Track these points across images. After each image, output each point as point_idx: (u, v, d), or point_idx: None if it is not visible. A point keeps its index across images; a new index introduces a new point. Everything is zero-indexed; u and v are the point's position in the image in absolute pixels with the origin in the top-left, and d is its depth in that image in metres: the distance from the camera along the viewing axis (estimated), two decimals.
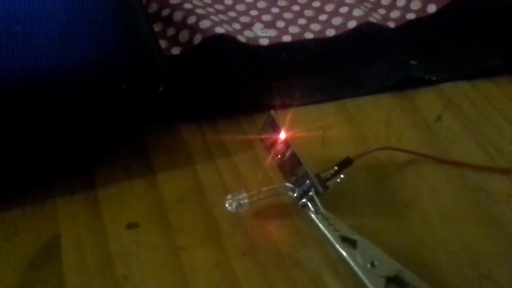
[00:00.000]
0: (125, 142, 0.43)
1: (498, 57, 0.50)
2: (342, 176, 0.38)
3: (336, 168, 0.38)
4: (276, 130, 0.39)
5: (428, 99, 0.48)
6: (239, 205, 0.37)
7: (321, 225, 0.36)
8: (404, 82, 0.47)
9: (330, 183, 0.37)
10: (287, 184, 0.39)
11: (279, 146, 0.39)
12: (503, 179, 0.42)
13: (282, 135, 0.39)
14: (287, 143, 0.38)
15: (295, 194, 0.38)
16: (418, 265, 0.35)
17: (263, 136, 0.41)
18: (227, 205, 0.37)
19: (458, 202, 0.40)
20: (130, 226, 0.38)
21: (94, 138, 0.40)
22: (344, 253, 0.34)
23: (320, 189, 0.36)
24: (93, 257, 0.36)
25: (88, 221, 0.38)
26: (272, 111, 0.40)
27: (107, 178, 0.41)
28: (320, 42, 0.52)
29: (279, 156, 0.40)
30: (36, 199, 0.39)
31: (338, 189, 0.39)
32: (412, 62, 0.49)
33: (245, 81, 0.47)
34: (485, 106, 0.48)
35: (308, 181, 0.36)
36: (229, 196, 0.38)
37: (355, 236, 0.35)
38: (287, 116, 0.44)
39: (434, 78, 0.48)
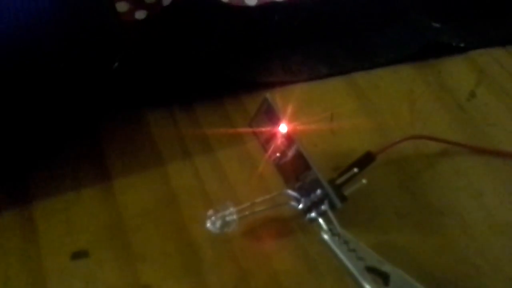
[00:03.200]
0: (73, 137, 0.33)
1: None
2: (364, 181, 0.28)
3: (355, 169, 0.28)
4: (274, 120, 0.29)
5: (457, 71, 0.41)
6: (225, 224, 0.28)
7: (338, 252, 0.26)
8: (426, 50, 0.41)
9: (348, 191, 0.28)
10: (290, 191, 0.29)
11: (279, 142, 0.29)
12: None
13: (283, 128, 0.29)
14: (289, 138, 0.29)
15: (301, 206, 0.29)
16: None
17: (255, 129, 0.31)
18: (208, 225, 0.28)
19: (509, 205, 0.32)
20: (77, 255, 0.29)
21: (30, 133, 0.31)
22: None
23: (338, 203, 0.26)
24: None
25: (20, 250, 0.29)
26: (267, 94, 0.30)
27: (47, 187, 0.31)
28: (320, 2, 0.44)
29: (278, 154, 0.30)
30: None
31: (355, 194, 0.30)
32: (434, 24, 0.43)
33: (228, 52, 0.40)
34: None
35: (319, 190, 0.27)
36: (210, 212, 0.28)
37: (387, 268, 0.26)
38: (286, 98, 0.35)
39: (462, 45, 0.42)
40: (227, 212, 0.28)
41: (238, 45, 0.40)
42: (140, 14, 0.42)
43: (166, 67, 0.37)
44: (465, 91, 0.39)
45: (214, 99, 0.37)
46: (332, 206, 0.27)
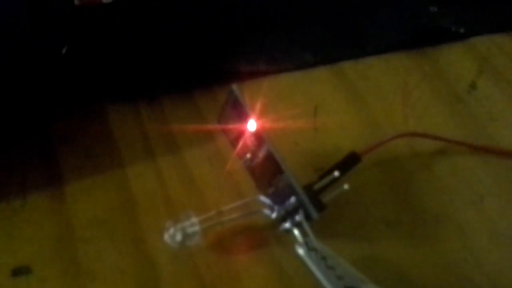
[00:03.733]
0: (20, 135, 0.30)
1: None
2: (345, 187, 0.25)
3: (336, 173, 0.25)
4: (242, 116, 0.25)
5: (456, 60, 0.38)
6: (187, 236, 0.25)
7: (314, 268, 0.23)
8: (422, 37, 0.38)
9: (327, 198, 0.24)
10: (262, 198, 0.26)
11: (248, 141, 0.25)
12: None
13: (252, 125, 0.25)
14: (259, 137, 0.25)
15: (274, 215, 0.25)
16: None
17: (222, 125, 0.27)
18: (166, 238, 0.25)
19: None
20: (18, 272, 0.25)
21: None
22: None
23: (315, 214, 0.23)
24: None
25: None
26: (234, 86, 0.26)
27: None
28: None
29: (248, 155, 0.26)
30: None
31: (338, 200, 0.27)
32: (431, 8, 0.41)
33: (201, 37, 0.36)
34: None
35: (293, 198, 0.23)
36: (168, 223, 0.25)
37: (370, 287, 0.22)
38: (260, 88, 0.32)
39: (462, 30, 0.40)
40: (188, 223, 0.25)
41: (214, 31, 0.37)
42: None
43: (131, 56, 0.34)
44: (465, 82, 0.36)
45: (183, 92, 0.33)
46: (308, 217, 0.24)
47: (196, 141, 0.31)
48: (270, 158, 0.25)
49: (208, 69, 0.34)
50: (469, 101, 0.35)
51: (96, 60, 0.32)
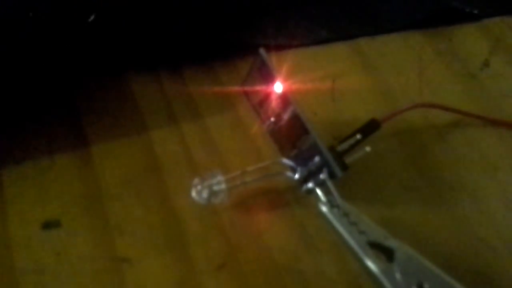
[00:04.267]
0: (48, 100, 0.30)
1: None
2: (367, 149, 0.25)
3: (358, 136, 0.26)
4: (269, 79, 0.26)
5: (470, 39, 0.38)
6: (213, 194, 0.26)
7: (338, 225, 0.24)
8: (437, 17, 0.39)
9: (349, 159, 0.25)
10: (285, 160, 0.27)
11: (273, 104, 0.26)
12: None
13: (278, 87, 0.26)
14: (285, 99, 0.26)
15: (297, 176, 0.26)
16: (476, 275, 0.26)
17: (247, 89, 0.28)
18: (193, 194, 0.25)
19: None
20: (48, 225, 0.26)
21: (2, 95, 0.28)
22: (375, 268, 0.23)
23: (338, 171, 0.24)
24: None
25: None
26: (261, 50, 0.27)
27: (18, 153, 0.28)
28: None
29: (272, 119, 0.27)
30: None
31: (358, 166, 0.27)
32: None
33: (221, 12, 0.36)
34: None
35: (317, 158, 0.24)
36: (196, 181, 0.25)
37: (392, 243, 0.23)
38: (282, 60, 0.32)
39: (476, 11, 0.40)
40: (214, 181, 0.25)
41: (237, 7, 0.37)
42: None
43: (153, 26, 0.33)
44: (478, 60, 0.36)
45: (204, 62, 0.34)
46: (331, 175, 0.24)
47: (217, 108, 0.31)
48: (295, 119, 0.25)
49: (230, 42, 0.34)
50: (481, 77, 0.35)
51: (121, 30, 0.32)
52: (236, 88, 0.31)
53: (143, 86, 0.32)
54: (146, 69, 0.33)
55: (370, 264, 0.23)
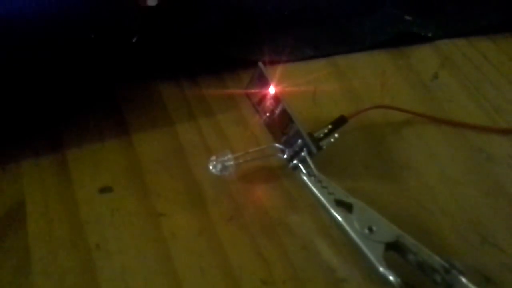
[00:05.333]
0: (97, 98, 0.39)
1: (497, 14, 0.48)
2: (336, 135, 0.34)
3: (330, 126, 0.35)
4: (265, 84, 0.36)
5: (424, 57, 0.45)
6: (224, 168, 0.34)
7: (314, 188, 0.33)
8: (398, 39, 0.46)
9: (323, 143, 0.34)
10: (276, 144, 0.35)
11: (268, 102, 0.35)
12: (504, 140, 0.39)
13: (272, 90, 0.35)
14: (277, 98, 0.35)
15: (285, 156, 0.35)
16: (417, 230, 0.32)
17: (249, 91, 0.37)
18: (210, 167, 0.34)
19: (457, 164, 0.38)
20: (103, 190, 0.34)
21: (62, 92, 0.36)
22: (340, 218, 0.31)
23: (314, 149, 0.32)
24: (61, 224, 0.33)
25: (56, 186, 0.34)
26: (260, 63, 0.36)
27: (77, 138, 0.37)
28: None
29: (267, 114, 0.36)
30: None
31: (330, 150, 0.36)
32: (406, 17, 0.48)
33: (228, 34, 0.44)
34: (483, 64, 0.45)
35: (300, 141, 0.33)
36: (213, 157, 0.34)
37: (351, 200, 0.32)
38: (275, 71, 0.40)
39: (430, 35, 0.46)
40: (226, 158, 0.34)
41: (236, 29, 0.45)
42: (151, 1, 0.46)
43: (174, 44, 0.42)
44: (430, 73, 0.44)
45: (214, 71, 0.42)
46: (309, 153, 0.33)
47: (225, 107, 0.39)
48: (284, 112, 0.34)
49: (233, 57, 0.42)
50: (432, 87, 0.42)
51: (151, 47, 0.40)
52: (239, 92, 0.40)
53: (168, 90, 0.40)
54: (171, 77, 0.41)
55: (336, 215, 0.32)
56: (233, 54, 0.42)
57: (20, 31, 0.33)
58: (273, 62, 0.42)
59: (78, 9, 0.34)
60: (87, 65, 0.36)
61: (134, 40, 0.36)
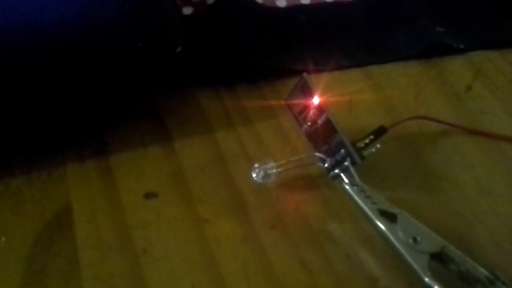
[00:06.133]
0: (140, 106, 0.39)
1: None
2: (378, 145, 0.35)
3: (371, 136, 0.35)
4: (308, 94, 0.36)
5: (456, 68, 0.46)
6: (266, 175, 0.35)
7: (357, 198, 0.33)
8: (431, 50, 0.46)
9: (365, 153, 0.34)
10: (317, 153, 0.36)
11: (311, 112, 0.36)
12: None
13: (316, 100, 0.36)
14: (320, 108, 0.36)
15: (326, 165, 0.35)
16: (457, 241, 0.33)
17: (291, 102, 0.38)
18: (253, 175, 0.35)
19: (494, 175, 0.38)
20: (148, 195, 0.35)
21: (107, 100, 0.37)
22: (384, 228, 0.32)
23: (358, 159, 0.33)
24: (108, 229, 0.33)
25: (102, 190, 0.35)
26: (304, 74, 0.37)
27: (121, 144, 0.37)
28: (341, 6, 0.50)
29: (309, 123, 0.37)
30: (43, 165, 0.36)
31: (369, 160, 0.36)
32: (438, 28, 0.48)
33: (263, 44, 0.45)
34: None
35: (343, 150, 0.34)
36: (256, 165, 0.35)
37: (395, 210, 0.32)
38: (315, 82, 0.40)
39: (462, 46, 0.47)
40: (268, 166, 0.35)
41: (270, 39, 0.45)
42: (187, 10, 0.47)
43: (212, 54, 0.42)
44: (463, 85, 0.44)
45: (251, 81, 0.42)
46: (353, 162, 0.34)
47: (263, 117, 0.40)
48: (327, 122, 0.35)
49: (271, 67, 0.42)
50: (465, 99, 0.43)
51: (190, 57, 0.40)
52: (277, 102, 0.40)
53: (208, 100, 0.41)
54: (211, 88, 0.41)
55: (380, 225, 0.32)
56: (271, 64, 0.43)
57: (68, 41, 0.34)
58: (308, 72, 0.42)
59: (126, 19, 0.35)
60: (133, 74, 0.37)
61: (178, 50, 0.36)
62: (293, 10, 0.49)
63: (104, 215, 0.34)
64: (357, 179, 0.33)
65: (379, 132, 0.36)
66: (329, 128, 0.35)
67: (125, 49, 0.35)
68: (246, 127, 0.40)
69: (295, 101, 0.38)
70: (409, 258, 0.30)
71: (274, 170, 0.35)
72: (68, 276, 0.31)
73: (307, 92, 0.36)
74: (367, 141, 0.35)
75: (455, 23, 0.49)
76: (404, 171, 0.38)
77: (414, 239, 0.31)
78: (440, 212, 0.36)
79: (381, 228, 0.32)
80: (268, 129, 0.39)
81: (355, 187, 0.33)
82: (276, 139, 0.39)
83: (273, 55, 0.44)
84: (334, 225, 0.34)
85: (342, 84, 0.43)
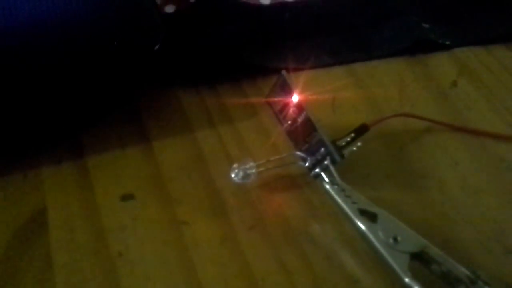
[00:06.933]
0: (118, 106, 0.39)
1: None
2: (359, 144, 0.34)
3: (352, 135, 0.35)
4: (288, 92, 0.35)
5: (442, 65, 0.45)
6: (246, 175, 0.34)
7: (337, 197, 0.33)
8: (416, 47, 0.45)
9: (346, 152, 0.34)
10: (298, 152, 0.35)
11: (291, 110, 0.35)
12: None
13: (295, 98, 0.35)
14: (300, 107, 0.35)
15: (307, 164, 0.35)
16: (440, 240, 0.32)
17: (271, 100, 0.37)
18: (233, 175, 0.34)
19: (478, 173, 0.37)
20: (125, 198, 0.34)
21: (84, 100, 0.36)
22: (364, 228, 0.31)
23: (337, 158, 0.32)
24: (83, 232, 0.32)
25: (78, 193, 0.34)
26: (283, 71, 0.36)
27: (98, 145, 0.37)
28: (325, 3, 0.49)
29: (289, 122, 0.36)
30: (18, 167, 0.35)
31: (351, 159, 0.35)
32: (424, 25, 0.47)
33: (245, 42, 0.44)
34: (502, 73, 0.45)
35: (323, 149, 0.33)
36: (235, 165, 0.34)
37: (376, 209, 0.32)
38: (297, 80, 0.39)
39: (447, 43, 0.46)
40: (247, 166, 0.34)
41: (254, 37, 0.45)
42: (169, 8, 0.47)
43: (193, 52, 0.42)
44: (448, 81, 0.43)
45: (233, 79, 0.41)
46: (333, 161, 0.33)
47: (245, 115, 0.39)
48: (307, 121, 0.34)
49: (252, 64, 0.41)
50: (450, 95, 0.42)
51: (170, 55, 0.40)
52: (259, 100, 0.40)
53: (189, 99, 0.40)
54: (190, 85, 0.41)
55: (360, 225, 0.32)
56: (251, 62, 0.42)
57: (43, 39, 0.33)
58: (291, 70, 0.41)
59: (102, 16, 0.34)
60: (110, 73, 0.36)
61: (156, 48, 0.36)
62: (277, 8, 0.48)
63: (80, 217, 0.33)
64: (338, 178, 0.33)
65: (361, 130, 0.36)
66: (309, 126, 0.34)
67: (100, 47, 0.34)
68: (228, 126, 0.39)
69: (275, 99, 0.37)
70: (389, 258, 0.30)
71: (253, 170, 0.34)
72: (41, 280, 0.31)
73: (287, 90, 0.35)
74: (348, 139, 0.35)
75: (440, 19, 0.48)
76: (387, 169, 0.37)
77: (395, 239, 0.31)
78: (423, 211, 0.35)
79: (361, 228, 0.31)
80: (250, 128, 0.39)
81: (335, 187, 0.33)
82: (257, 138, 0.38)
83: (256, 53, 0.43)
84: (314, 225, 0.34)
85: (325, 81, 0.43)
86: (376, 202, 0.33)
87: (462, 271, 0.30)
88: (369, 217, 0.32)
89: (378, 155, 0.38)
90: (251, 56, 0.43)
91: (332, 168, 0.33)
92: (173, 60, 0.41)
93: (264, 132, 0.39)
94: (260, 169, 0.35)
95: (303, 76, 0.41)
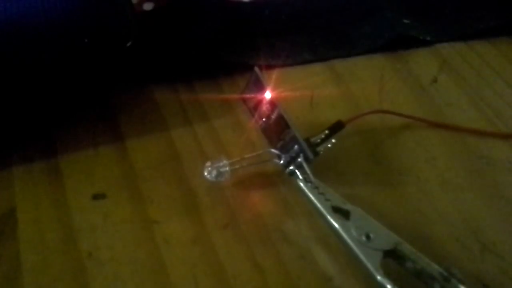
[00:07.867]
0: (91, 104, 0.38)
1: (496, 17, 0.47)
2: (333, 140, 0.34)
3: (326, 132, 0.34)
4: (261, 89, 0.35)
5: (422, 61, 0.45)
6: (219, 174, 0.34)
7: (310, 195, 0.32)
8: (397, 42, 0.45)
9: (320, 149, 0.34)
10: (272, 150, 0.35)
11: (264, 107, 0.35)
12: (504, 144, 0.39)
13: (268, 95, 0.35)
14: (273, 103, 0.34)
15: (282, 161, 0.34)
16: (416, 237, 0.32)
17: (245, 96, 0.37)
18: (206, 174, 0.34)
19: (457, 169, 0.37)
20: (96, 197, 0.34)
21: (56, 98, 0.36)
22: (336, 225, 0.31)
23: (310, 155, 0.32)
24: (53, 232, 0.32)
25: (48, 192, 0.34)
26: (256, 68, 0.35)
27: (70, 144, 0.36)
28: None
29: (263, 119, 0.36)
30: None
31: (328, 155, 0.35)
32: (405, 20, 0.47)
33: (225, 39, 0.44)
34: (483, 68, 0.45)
35: (296, 146, 0.33)
36: (208, 164, 0.34)
37: (348, 206, 0.31)
38: (272, 76, 0.40)
39: (428, 38, 0.46)
40: (221, 164, 0.34)
41: (234, 33, 0.44)
42: (147, 6, 0.45)
43: (170, 49, 0.41)
44: (429, 77, 0.43)
45: (210, 76, 0.41)
46: (306, 159, 0.33)
47: (221, 112, 0.39)
48: (280, 118, 0.34)
49: (230, 62, 0.41)
50: (431, 91, 0.42)
51: (146, 52, 0.40)
52: (235, 97, 0.39)
53: (164, 95, 0.40)
54: (166, 82, 0.40)
55: (333, 222, 0.31)
56: (230, 59, 0.42)
57: (11, 36, 0.32)
58: (270, 67, 0.42)
59: (70, 13, 0.34)
60: (81, 70, 0.36)
61: (128, 45, 0.35)
62: (257, 4, 0.48)
63: (49, 217, 0.33)
64: (311, 176, 0.32)
65: (336, 127, 0.35)
66: (282, 123, 0.34)
67: (70, 44, 0.34)
68: (203, 124, 0.39)
69: (249, 96, 0.36)
70: (361, 256, 0.30)
71: (227, 168, 0.34)
72: (9, 281, 0.30)
73: (260, 86, 0.35)
74: (322, 136, 0.34)
75: (421, 15, 0.48)
76: (364, 166, 0.37)
77: (367, 236, 0.30)
78: (399, 208, 0.35)
79: (334, 226, 0.31)
80: (226, 126, 0.39)
81: (309, 184, 0.32)
82: (233, 135, 0.38)
83: (235, 50, 0.43)
84: (289, 223, 0.33)
85: (304, 78, 0.42)
86: (353, 200, 0.33)
87: (436, 268, 0.29)
88: (342, 214, 0.31)
89: (355, 152, 0.38)
90: (229, 53, 0.42)
91: (305, 165, 0.32)
92: (150, 57, 0.41)
93: (241, 130, 0.38)
94: (234, 167, 0.34)
95: (281, 73, 0.41)
